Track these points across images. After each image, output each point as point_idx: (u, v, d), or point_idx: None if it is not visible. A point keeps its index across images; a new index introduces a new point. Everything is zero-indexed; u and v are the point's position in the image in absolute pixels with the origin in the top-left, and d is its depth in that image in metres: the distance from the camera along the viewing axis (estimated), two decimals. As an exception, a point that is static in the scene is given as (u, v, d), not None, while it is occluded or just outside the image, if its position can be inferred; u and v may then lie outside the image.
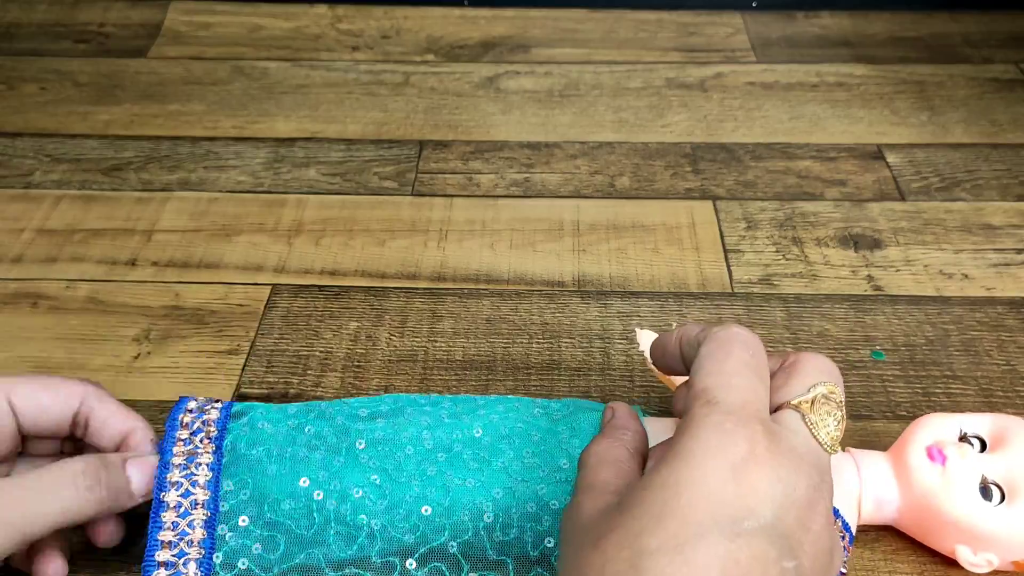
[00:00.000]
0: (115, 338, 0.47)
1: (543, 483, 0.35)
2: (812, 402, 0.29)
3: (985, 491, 0.35)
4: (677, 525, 0.24)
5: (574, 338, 0.47)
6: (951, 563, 0.37)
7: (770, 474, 0.25)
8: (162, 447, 0.36)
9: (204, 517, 0.35)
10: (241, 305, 0.49)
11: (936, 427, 0.37)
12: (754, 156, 0.60)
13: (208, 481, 0.35)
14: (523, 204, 0.56)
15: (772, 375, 0.31)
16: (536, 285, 0.51)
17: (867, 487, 0.36)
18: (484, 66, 0.69)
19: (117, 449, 0.36)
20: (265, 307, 0.49)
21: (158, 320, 0.48)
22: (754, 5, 0.75)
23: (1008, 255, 0.53)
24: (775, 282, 0.51)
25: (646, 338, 0.39)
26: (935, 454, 0.35)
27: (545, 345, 0.47)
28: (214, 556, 0.34)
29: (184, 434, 0.36)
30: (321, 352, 0.47)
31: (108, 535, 0.35)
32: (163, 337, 0.47)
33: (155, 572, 0.34)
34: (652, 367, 0.38)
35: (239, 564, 0.34)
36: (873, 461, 0.37)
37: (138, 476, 0.35)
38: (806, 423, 0.29)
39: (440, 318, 0.48)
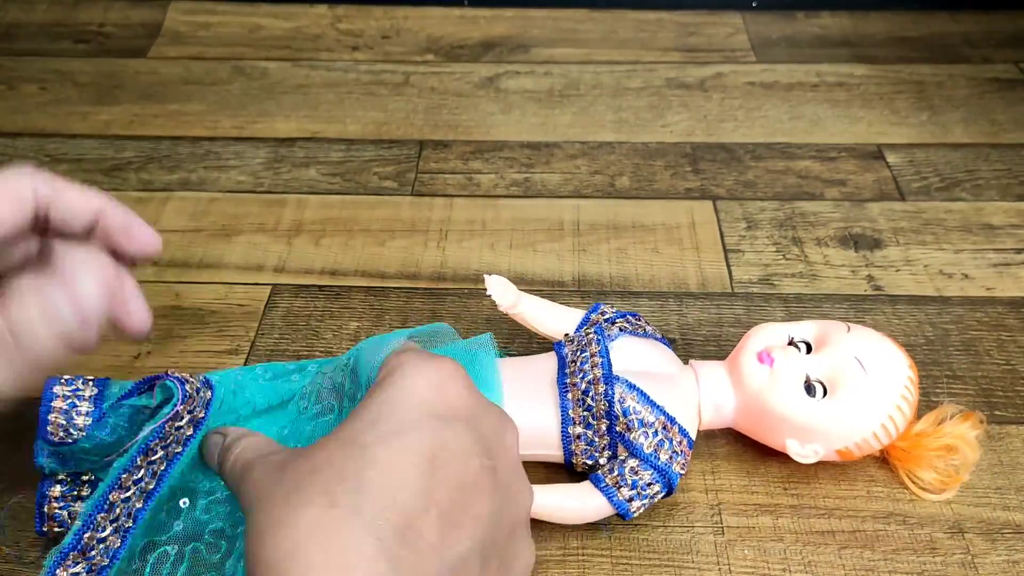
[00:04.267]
0: (115, 338, 0.47)
1: None
2: None
3: (809, 388, 0.38)
4: (394, 423, 0.27)
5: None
6: (951, 562, 0.37)
7: (464, 387, 0.29)
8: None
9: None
10: (241, 305, 0.49)
11: (766, 335, 0.40)
12: (754, 156, 0.60)
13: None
14: (523, 204, 0.56)
15: None
16: (536, 285, 0.51)
17: (705, 394, 0.39)
18: (484, 66, 0.69)
19: (90, 236, 0.33)
20: (265, 307, 0.49)
21: (158, 320, 0.48)
22: (754, 5, 0.75)
23: (1008, 255, 0.53)
24: (775, 282, 0.51)
25: (495, 283, 0.42)
26: (764, 357, 0.39)
27: (546, 345, 0.46)
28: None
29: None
30: (321, 352, 0.47)
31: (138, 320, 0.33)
32: (163, 337, 0.47)
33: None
34: (506, 310, 0.42)
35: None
36: (711, 370, 0.40)
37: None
38: None
39: (440, 318, 0.48)
